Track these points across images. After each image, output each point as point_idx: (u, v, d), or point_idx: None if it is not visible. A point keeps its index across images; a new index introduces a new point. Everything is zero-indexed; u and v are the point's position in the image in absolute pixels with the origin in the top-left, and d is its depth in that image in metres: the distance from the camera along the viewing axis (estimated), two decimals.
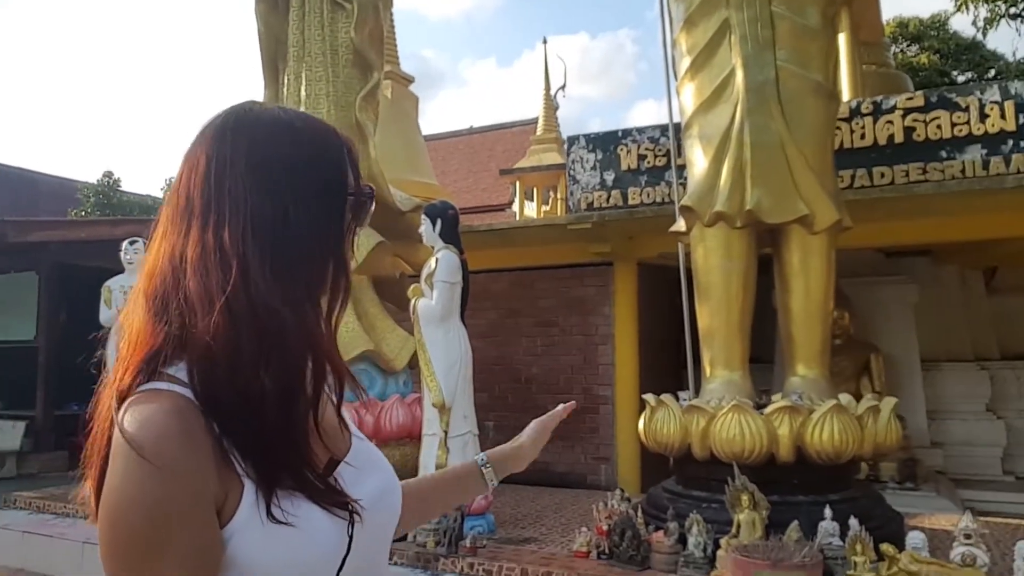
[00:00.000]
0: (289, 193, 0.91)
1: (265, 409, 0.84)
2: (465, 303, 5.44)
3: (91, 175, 28.60)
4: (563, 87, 15.47)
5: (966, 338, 8.90)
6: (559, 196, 13.36)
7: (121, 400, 0.84)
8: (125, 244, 7.19)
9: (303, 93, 6.78)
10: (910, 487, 7.17)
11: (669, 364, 8.94)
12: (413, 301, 5.36)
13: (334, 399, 1.02)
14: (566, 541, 5.01)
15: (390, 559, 4.35)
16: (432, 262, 5.35)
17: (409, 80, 10.46)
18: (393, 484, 1.05)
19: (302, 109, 6.79)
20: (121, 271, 7.32)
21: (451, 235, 5.47)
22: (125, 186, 20.92)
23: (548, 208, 13.43)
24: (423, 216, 5.51)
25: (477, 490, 1.36)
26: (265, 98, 7.21)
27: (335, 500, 0.89)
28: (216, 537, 0.81)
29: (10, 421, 10.09)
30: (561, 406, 1.47)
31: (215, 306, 0.84)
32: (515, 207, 14.58)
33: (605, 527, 4.60)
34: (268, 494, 0.83)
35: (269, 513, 0.82)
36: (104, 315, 7.07)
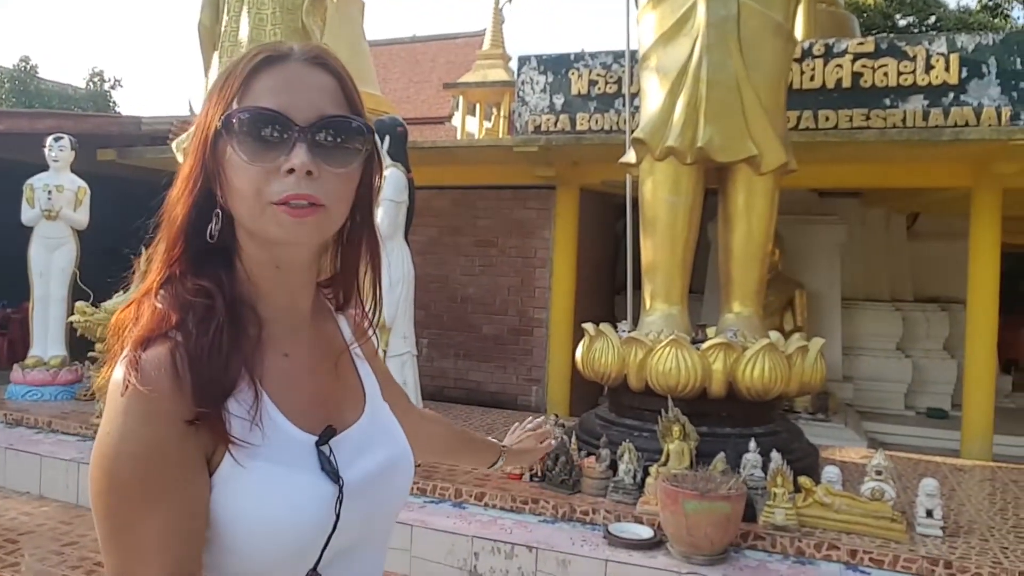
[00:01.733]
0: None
1: (203, 361, 0.82)
2: (410, 223, 5.37)
3: (6, 60, 26.77)
4: (494, 3, 15.06)
5: (884, 279, 9.29)
6: (502, 114, 13.15)
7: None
8: (50, 140, 6.80)
9: None
10: (821, 418, 7.56)
11: (604, 291, 9.10)
12: None
13: (358, 364, 1.04)
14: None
15: None
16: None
17: None
18: (400, 459, 1.02)
19: (244, 8, 6.45)
20: (43, 167, 6.94)
21: (399, 152, 5.35)
22: (43, 73, 19.68)
23: (491, 126, 13.24)
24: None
25: (484, 464, 1.53)
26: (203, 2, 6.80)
27: (325, 465, 0.87)
28: (204, 483, 0.80)
29: None
30: (537, 422, 1.70)
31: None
32: (456, 121, 14.32)
33: None
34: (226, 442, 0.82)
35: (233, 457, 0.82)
36: (26, 214, 6.74)
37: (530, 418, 1.72)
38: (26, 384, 6.52)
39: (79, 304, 5.37)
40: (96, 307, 5.35)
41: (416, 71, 21.35)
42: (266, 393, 0.87)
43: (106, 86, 20.65)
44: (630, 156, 5.33)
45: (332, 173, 0.86)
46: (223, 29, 6.53)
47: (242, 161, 0.84)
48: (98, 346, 5.38)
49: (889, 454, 6.09)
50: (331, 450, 0.88)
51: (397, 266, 5.22)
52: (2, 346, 10.30)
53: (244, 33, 6.36)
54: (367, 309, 1.07)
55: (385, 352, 5.11)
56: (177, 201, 0.88)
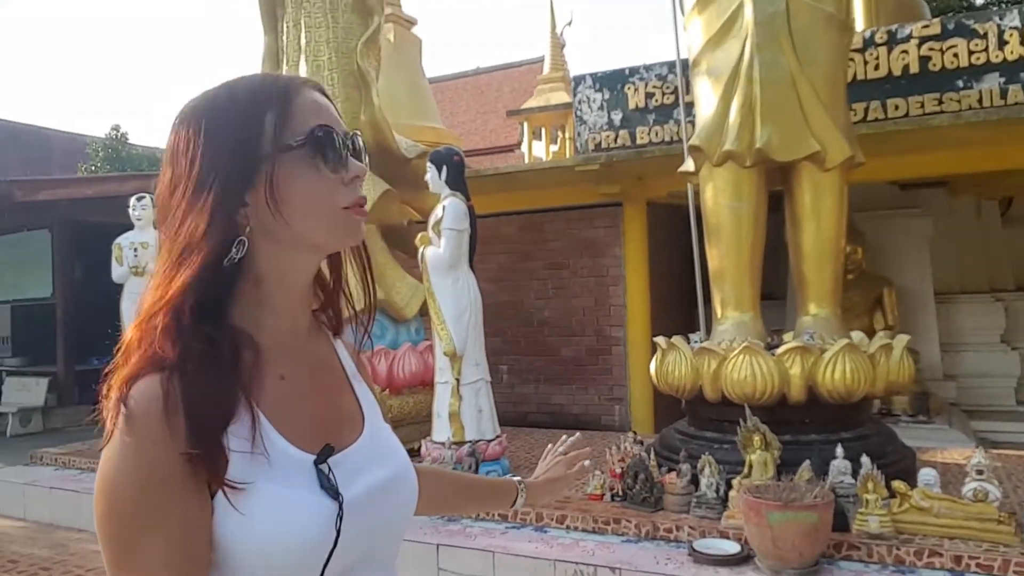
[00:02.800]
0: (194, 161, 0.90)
1: (198, 390, 0.83)
2: (473, 250, 5.41)
3: (100, 129, 28.60)
4: (569, 23, 15.16)
5: (981, 270, 8.82)
6: (567, 136, 13.16)
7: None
8: (133, 200, 7.18)
9: (303, 40, 6.66)
10: (923, 420, 7.18)
11: (680, 304, 8.92)
12: (421, 249, 5.34)
13: (355, 385, 1.05)
14: (580, 484, 5.06)
15: None
16: (439, 209, 5.31)
17: (412, 22, 10.23)
18: (403, 477, 1.02)
19: (302, 57, 6.68)
20: (131, 227, 7.32)
21: (457, 181, 5.41)
22: (133, 139, 20.86)
23: (557, 149, 13.26)
24: (428, 163, 5.45)
25: (503, 506, 1.43)
26: (264, 47, 7.08)
27: (324, 484, 0.88)
28: (205, 506, 0.82)
29: (34, 378, 10.25)
30: (570, 443, 1.59)
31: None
32: (523, 148, 14.40)
33: (618, 470, 4.64)
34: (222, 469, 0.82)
35: (222, 486, 0.82)
36: (116, 272, 7.11)
37: (564, 437, 1.60)
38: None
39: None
40: None
41: (482, 102, 21.67)
42: (264, 416, 0.88)
43: None
44: (689, 164, 5.25)
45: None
46: None
47: (320, 175, 0.91)
48: None
49: (1000, 453, 5.76)
50: (330, 468, 0.89)
51: (464, 294, 5.26)
52: None
53: None
54: (359, 308, 1.08)
55: (458, 380, 5.15)
56: (201, 233, 0.88)
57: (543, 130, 13.65)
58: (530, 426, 7.74)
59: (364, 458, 0.97)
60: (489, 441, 5.16)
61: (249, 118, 0.91)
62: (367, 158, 1.00)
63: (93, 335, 11.27)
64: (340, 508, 0.87)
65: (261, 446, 0.85)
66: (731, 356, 4.51)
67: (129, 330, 0.88)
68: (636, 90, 7.38)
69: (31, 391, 10.12)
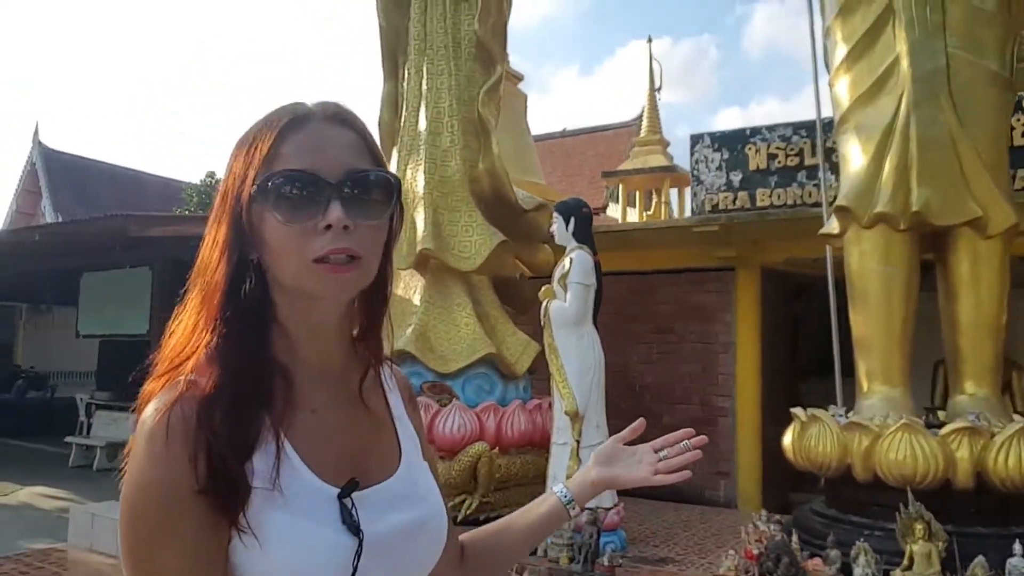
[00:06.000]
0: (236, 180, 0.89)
1: (223, 422, 0.83)
2: (598, 306, 5.19)
3: (194, 175, 29.73)
4: (659, 89, 15.10)
5: None
6: (663, 199, 12.98)
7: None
8: None
9: (424, 87, 6.66)
10: None
11: (784, 376, 8.48)
12: (545, 303, 5.13)
13: (398, 422, 1.02)
14: (706, 563, 4.69)
15: (520, 574, 4.04)
16: (566, 262, 5.12)
17: (519, 78, 10.26)
18: (431, 520, 0.98)
19: (422, 103, 6.67)
20: None
21: (584, 234, 5.23)
22: None
23: (651, 212, 13.06)
24: (555, 214, 5.28)
25: (556, 528, 1.27)
26: (384, 92, 7.12)
27: (346, 519, 0.86)
28: (221, 528, 0.81)
29: (124, 412, 10.32)
30: (634, 424, 1.24)
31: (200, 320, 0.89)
32: (611, 212, 14.22)
33: (756, 551, 4.26)
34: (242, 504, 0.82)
35: (239, 524, 0.81)
36: None
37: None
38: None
39: None
40: None
41: (568, 164, 21.71)
42: (292, 448, 0.87)
43: None
44: (832, 226, 4.95)
45: (365, 226, 0.88)
46: (402, 124, 6.78)
47: (280, 223, 0.86)
48: None
49: None
50: (353, 503, 0.87)
51: (588, 352, 5.03)
52: None
53: (423, 126, 6.57)
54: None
55: (578, 442, 4.87)
56: (215, 266, 0.88)
57: (637, 194, 13.47)
58: (630, 496, 7.34)
59: (394, 497, 0.94)
60: (607, 509, 4.84)
61: (247, 153, 0.90)
62: (393, 201, 0.91)
63: None
64: (359, 545, 0.86)
65: (282, 480, 0.84)
66: (887, 434, 4.13)
67: (165, 349, 0.90)
68: (757, 151, 7.14)
69: (121, 425, 10.16)
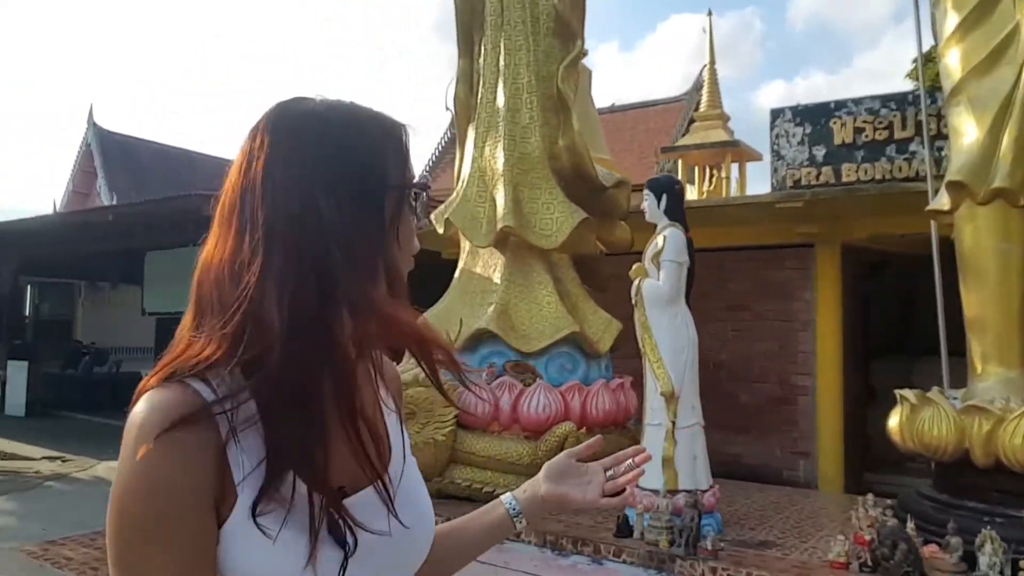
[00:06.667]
0: (326, 193, 0.86)
1: (281, 425, 0.82)
2: (691, 285, 5.06)
3: None
4: (707, 64, 14.76)
5: None
6: (723, 175, 12.74)
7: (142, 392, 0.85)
8: None
9: (501, 63, 6.53)
10: None
11: (857, 356, 8.29)
12: (636, 282, 5.01)
13: (388, 418, 1.01)
14: (809, 547, 4.58)
15: (618, 556, 3.96)
16: (659, 240, 4.99)
17: (584, 53, 10.10)
18: (419, 522, 0.98)
19: (499, 80, 6.54)
20: None
21: (676, 211, 5.09)
22: None
23: (711, 188, 12.82)
24: (646, 191, 5.15)
25: (502, 539, 1.21)
26: (458, 69, 7.01)
27: (333, 528, 0.86)
28: (212, 530, 0.81)
29: None
30: (591, 441, 1.26)
31: (244, 319, 0.82)
32: None
33: (868, 537, 4.14)
34: (260, 500, 0.81)
35: (255, 516, 0.81)
36: None
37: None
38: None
39: None
40: None
41: (617, 140, 21.40)
42: None
43: None
44: (941, 202, 4.75)
45: None
46: (478, 101, 6.67)
47: (416, 225, 0.96)
48: None
49: None
50: (340, 513, 0.86)
51: (682, 331, 4.91)
52: None
53: (501, 102, 6.45)
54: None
55: (674, 423, 4.77)
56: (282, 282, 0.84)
57: (695, 169, 13.23)
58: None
59: (377, 504, 0.91)
60: (703, 491, 4.74)
61: (393, 151, 0.97)
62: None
63: None
64: (345, 559, 0.86)
65: (290, 489, 0.82)
66: (1011, 418, 3.97)
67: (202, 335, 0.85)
68: (843, 125, 6.92)
69: None
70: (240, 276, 0.84)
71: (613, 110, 22.91)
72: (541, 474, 1.19)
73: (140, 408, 0.82)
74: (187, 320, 0.89)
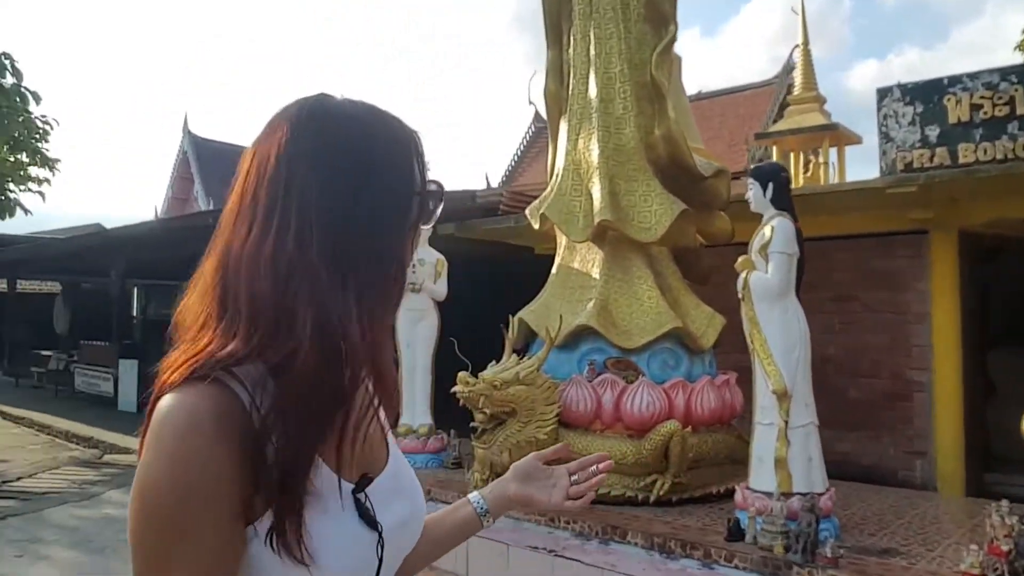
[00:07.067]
0: (359, 194, 0.87)
1: (321, 422, 0.83)
2: (801, 277, 4.82)
3: None
4: (799, 45, 14.19)
5: None
6: (821, 160, 12.24)
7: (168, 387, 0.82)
8: None
9: (592, 52, 6.38)
10: None
11: (972, 347, 7.81)
12: (743, 275, 4.80)
13: (381, 413, 0.98)
14: (936, 556, 4.30)
15: (729, 561, 3.77)
16: (766, 231, 4.77)
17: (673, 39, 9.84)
18: (419, 513, 1.02)
19: (592, 69, 6.39)
20: None
21: (783, 200, 4.86)
22: None
23: (808, 175, 12.33)
24: (751, 180, 4.93)
25: (469, 536, 1.24)
26: (548, 60, 6.89)
27: (363, 513, 0.88)
28: (238, 531, 0.80)
29: None
30: (557, 447, 1.33)
31: (276, 314, 0.82)
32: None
33: (1005, 548, 3.85)
34: (289, 511, 0.80)
35: (278, 537, 0.80)
36: None
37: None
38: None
39: (461, 374, 5.41)
40: (475, 377, 5.38)
41: (706, 127, 20.88)
42: None
43: None
44: None
45: None
46: (570, 92, 6.54)
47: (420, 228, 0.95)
48: (478, 416, 5.38)
49: None
50: (367, 497, 0.89)
51: (793, 326, 4.68)
52: None
53: (593, 93, 6.31)
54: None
55: (786, 423, 4.55)
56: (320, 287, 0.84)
57: (791, 155, 12.75)
58: None
59: (391, 486, 0.95)
60: (819, 495, 4.51)
61: (415, 158, 0.97)
62: None
63: None
64: (380, 536, 0.88)
65: (314, 477, 0.83)
66: None
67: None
68: (958, 102, 6.50)
69: None
70: (271, 271, 0.83)
71: (700, 97, 22.38)
72: (509, 474, 1.24)
73: (172, 405, 0.80)
74: (196, 304, 0.87)
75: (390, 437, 1.03)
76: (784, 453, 4.55)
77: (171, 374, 0.82)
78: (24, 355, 18.73)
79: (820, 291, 7.43)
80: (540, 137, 22.73)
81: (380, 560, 0.88)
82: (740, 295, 4.84)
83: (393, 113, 0.94)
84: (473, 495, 1.23)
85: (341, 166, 0.86)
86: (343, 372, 0.83)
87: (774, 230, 4.73)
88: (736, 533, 4.53)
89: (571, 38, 6.65)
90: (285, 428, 0.80)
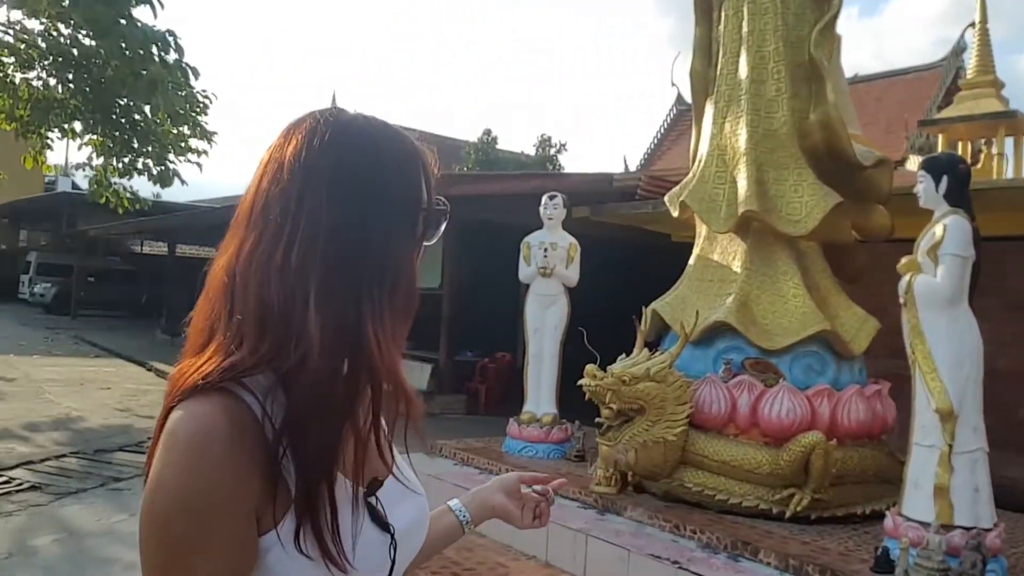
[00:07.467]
0: (367, 207, 0.88)
1: (335, 430, 0.83)
2: (975, 283, 4.29)
3: (470, 133, 31.19)
4: (973, 24, 12.92)
5: None
6: (995, 151, 11.15)
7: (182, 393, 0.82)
8: (545, 199, 7.00)
9: (744, 29, 5.94)
10: None
11: None
12: (907, 278, 4.32)
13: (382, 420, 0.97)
14: None
15: None
16: (937, 230, 4.26)
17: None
18: (424, 514, 1.03)
19: (743, 48, 5.94)
20: (535, 226, 7.17)
21: (960, 196, 4.33)
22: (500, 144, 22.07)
23: (978, 167, 11.25)
24: (922, 172, 4.42)
25: (450, 544, 1.27)
26: (695, 38, 6.49)
27: (374, 516, 0.90)
28: (251, 541, 0.80)
29: (419, 363, 10.83)
30: (555, 483, 1.33)
31: (285, 323, 0.83)
32: (909, 165, 12.49)
33: None
34: (312, 515, 0.81)
35: (298, 539, 0.81)
36: (523, 272, 7.00)
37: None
38: (522, 440, 6.65)
39: (589, 367, 5.19)
40: (604, 371, 5.15)
41: (861, 113, 19.59)
42: None
43: (552, 151, 22.40)
44: None
45: None
46: (718, 73, 6.13)
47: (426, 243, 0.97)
48: (604, 412, 5.15)
49: None
50: (378, 500, 0.91)
51: (964, 337, 4.17)
52: (481, 393, 11.16)
53: (743, 73, 5.88)
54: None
55: (950, 446, 4.07)
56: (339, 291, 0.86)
57: (959, 144, 11.68)
58: None
59: (397, 489, 0.97)
60: (986, 530, 4.01)
61: (424, 172, 0.99)
62: None
63: (468, 329, 11.72)
64: (392, 539, 0.90)
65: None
66: None
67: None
68: None
69: (416, 376, 10.65)
70: (280, 279, 0.83)
71: (855, 81, 21.03)
72: (495, 484, 1.29)
73: (183, 417, 0.80)
74: (205, 309, 0.89)
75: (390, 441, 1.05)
76: (946, 481, 4.07)
77: (181, 385, 0.82)
78: (182, 316, 19.97)
79: (991, 297, 6.72)
80: (681, 120, 22.05)
81: (393, 562, 0.91)
82: (902, 300, 4.36)
83: (401, 130, 0.97)
84: (454, 502, 1.27)
85: (351, 180, 0.88)
86: (352, 380, 0.85)
87: (947, 229, 4.21)
88: (884, 564, 4.10)
89: (722, 14, 6.22)
90: (304, 438, 0.81)
